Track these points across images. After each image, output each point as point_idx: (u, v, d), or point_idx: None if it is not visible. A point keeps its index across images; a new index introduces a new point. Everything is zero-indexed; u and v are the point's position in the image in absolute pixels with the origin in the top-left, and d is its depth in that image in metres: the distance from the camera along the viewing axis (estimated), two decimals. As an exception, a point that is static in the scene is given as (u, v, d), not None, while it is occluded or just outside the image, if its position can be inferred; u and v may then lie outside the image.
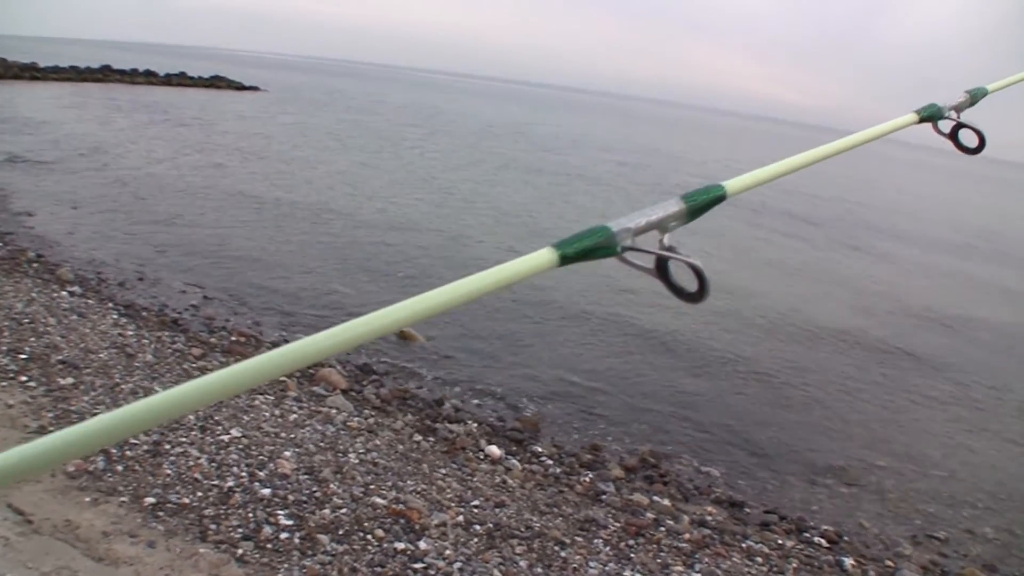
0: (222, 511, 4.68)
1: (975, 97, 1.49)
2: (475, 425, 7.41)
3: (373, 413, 7.11)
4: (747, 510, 6.79)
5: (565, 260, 0.83)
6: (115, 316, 8.66)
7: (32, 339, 7.12)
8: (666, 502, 6.52)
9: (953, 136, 1.45)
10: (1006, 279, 20.90)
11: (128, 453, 5.15)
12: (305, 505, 4.92)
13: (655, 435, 8.14)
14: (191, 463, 5.18)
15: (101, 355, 7.11)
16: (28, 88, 39.65)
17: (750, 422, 8.79)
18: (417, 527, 4.93)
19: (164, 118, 32.32)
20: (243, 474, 5.16)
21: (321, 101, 57.86)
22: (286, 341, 8.94)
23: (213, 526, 4.51)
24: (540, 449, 7.21)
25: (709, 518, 6.34)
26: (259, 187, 19.18)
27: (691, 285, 0.90)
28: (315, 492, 5.10)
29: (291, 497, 4.97)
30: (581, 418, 8.29)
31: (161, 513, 4.56)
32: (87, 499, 4.57)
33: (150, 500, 4.66)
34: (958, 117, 1.43)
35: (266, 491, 4.99)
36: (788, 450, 8.25)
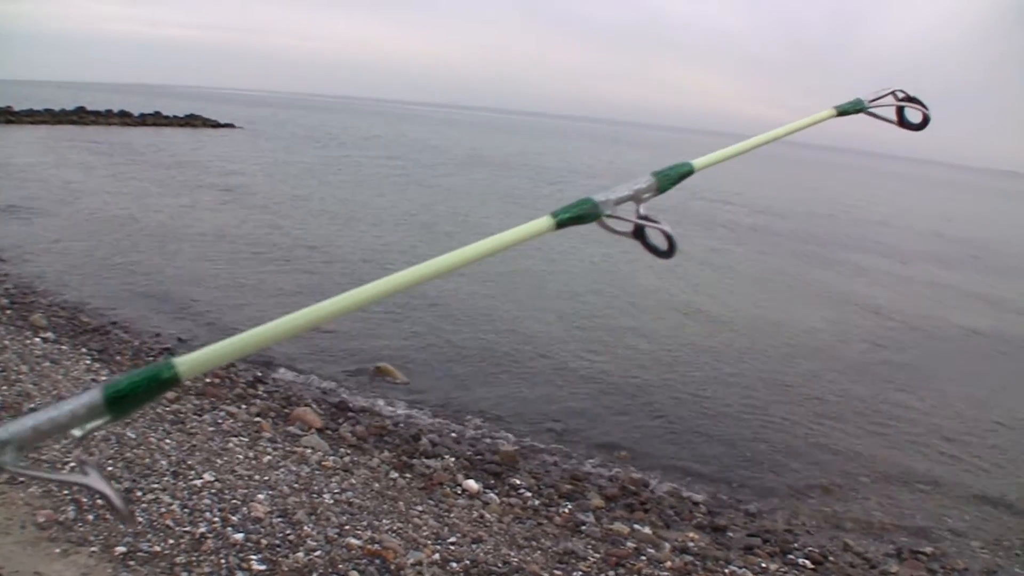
0: (194, 558, 4.60)
1: (664, 182, 1.13)
2: (452, 459, 7.34)
3: (349, 451, 7.04)
4: (730, 534, 6.76)
5: None
6: (88, 361, 8.56)
7: (3, 388, 7.01)
8: (647, 530, 6.48)
9: (639, 235, 1.11)
10: (983, 287, 21.11)
11: (99, 502, 5.06)
12: (278, 549, 4.84)
13: (636, 461, 8.12)
14: (163, 509, 5.10)
15: (73, 402, 7.00)
16: (3, 132, 39.50)
17: (730, 444, 8.79)
18: (392, 567, 4.86)
19: (140, 159, 32.25)
20: (216, 519, 5.08)
21: (295, 136, 57.96)
22: (261, 382, 8.85)
23: (184, 574, 4.43)
24: (519, 481, 7.15)
25: (691, 544, 6.31)
26: (235, 228, 19.12)
27: None
28: (289, 535, 5.03)
29: (264, 541, 4.89)
30: (561, 447, 8.25)
31: (132, 562, 4.46)
32: (57, 550, 4.48)
33: (121, 549, 4.57)
34: (638, 211, 1.09)
35: (239, 536, 4.91)
36: (770, 471, 8.25)
